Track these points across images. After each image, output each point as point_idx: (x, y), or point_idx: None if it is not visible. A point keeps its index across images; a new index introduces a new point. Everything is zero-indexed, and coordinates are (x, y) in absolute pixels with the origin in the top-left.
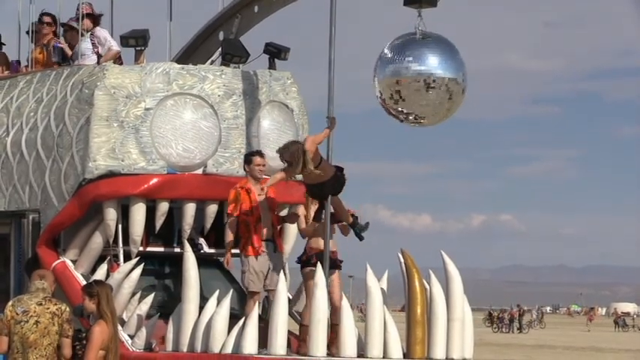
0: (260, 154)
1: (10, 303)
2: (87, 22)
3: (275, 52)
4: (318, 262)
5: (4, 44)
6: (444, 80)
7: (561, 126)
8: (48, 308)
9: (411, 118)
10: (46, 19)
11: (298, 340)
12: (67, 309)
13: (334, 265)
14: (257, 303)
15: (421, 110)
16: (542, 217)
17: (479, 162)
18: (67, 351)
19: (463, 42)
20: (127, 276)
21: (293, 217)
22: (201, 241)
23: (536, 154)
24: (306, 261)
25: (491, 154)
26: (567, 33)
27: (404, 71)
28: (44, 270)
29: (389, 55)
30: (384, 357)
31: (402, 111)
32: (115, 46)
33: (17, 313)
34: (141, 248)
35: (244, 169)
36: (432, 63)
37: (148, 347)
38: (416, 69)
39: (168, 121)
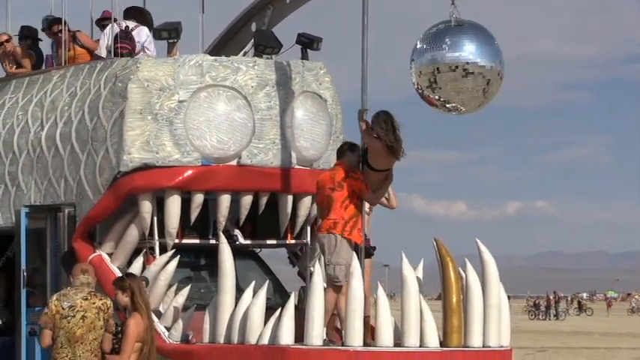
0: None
1: (54, 297)
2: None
3: (307, 43)
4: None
5: (41, 40)
6: (481, 68)
7: (596, 112)
8: (94, 303)
9: (448, 106)
10: (58, 27)
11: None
12: (112, 304)
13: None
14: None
15: (458, 98)
16: (577, 203)
17: (513, 149)
18: (107, 346)
19: (496, 29)
20: (163, 268)
21: None
22: (237, 232)
23: (570, 140)
24: None
25: (525, 141)
26: (601, 19)
27: (440, 59)
28: (86, 264)
29: (425, 44)
30: (420, 346)
31: (440, 99)
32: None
33: (63, 308)
34: (176, 240)
35: (345, 157)
36: (469, 50)
37: (185, 339)
38: (453, 57)
39: (202, 113)
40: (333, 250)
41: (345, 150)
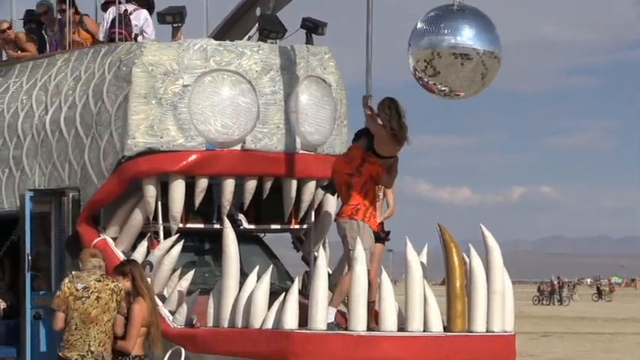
0: None
1: (66, 280)
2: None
3: (312, 27)
4: (358, 237)
5: (45, 24)
6: (479, 53)
7: (600, 97)
8: (107, 285)
9: (445, 91)
10: (62, 6)
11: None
12: (122, 287)
13: (377, 238)
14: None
15: (456, 83)
16: (581, 188)
17: (517, 134)
18: (119, 329)
19: (500, 14)
20: (168, 253)
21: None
22: (241, 217)
23: (574, 125)
24: None
25: (529, 126)
26: (604, 3)
27: (439, 44)
28: (94, 249)
29: (424, 28)
30: (424, 331)
31: (437, 84)
32: None
33: (77, 289)
34: (181, 225)
35: (360, 141)
36: (468, 35)
37: (189, 323)
38: (451, 41)
39: (206, 97)
40: (356, 235)
41: (362, 135)
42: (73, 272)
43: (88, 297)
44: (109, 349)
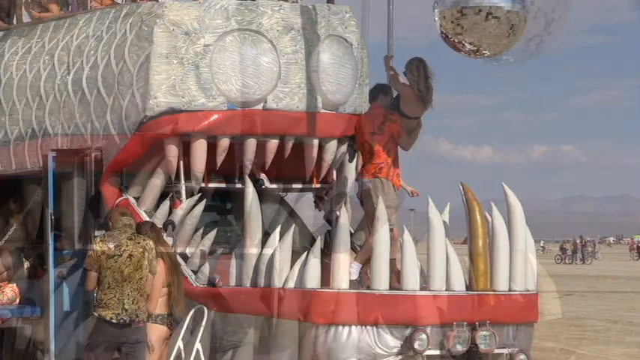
0: None
1: (98, 239)
2: None
3: None
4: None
5: None
6: (505, 11)
7: (621, 55)
8: (139, 243)
9: (471, 49)
10: None
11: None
12: (153, 245)
13: None
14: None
15: (482, 41)
16: (604, 146)
17: (539, 93)
18: (150, 288)
19: None
20: (190, 212)
21: None
22: (263, 176)
23: (596, 83)
24: None
25: (551, 85)
26: None
27: (464, 2)
28: (123, 208)
29: None
30: (446, 290)
31: (463, 42)
32: None
33: (109, 248)
34: (202, 184)
35: (379, 100)
36: None
37: (212, 282)
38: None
39: (227, 57)
40: (379, 194)
41: (378, 93)
42: (104, 232)
43: (120, 255)
44: (142, 307)
